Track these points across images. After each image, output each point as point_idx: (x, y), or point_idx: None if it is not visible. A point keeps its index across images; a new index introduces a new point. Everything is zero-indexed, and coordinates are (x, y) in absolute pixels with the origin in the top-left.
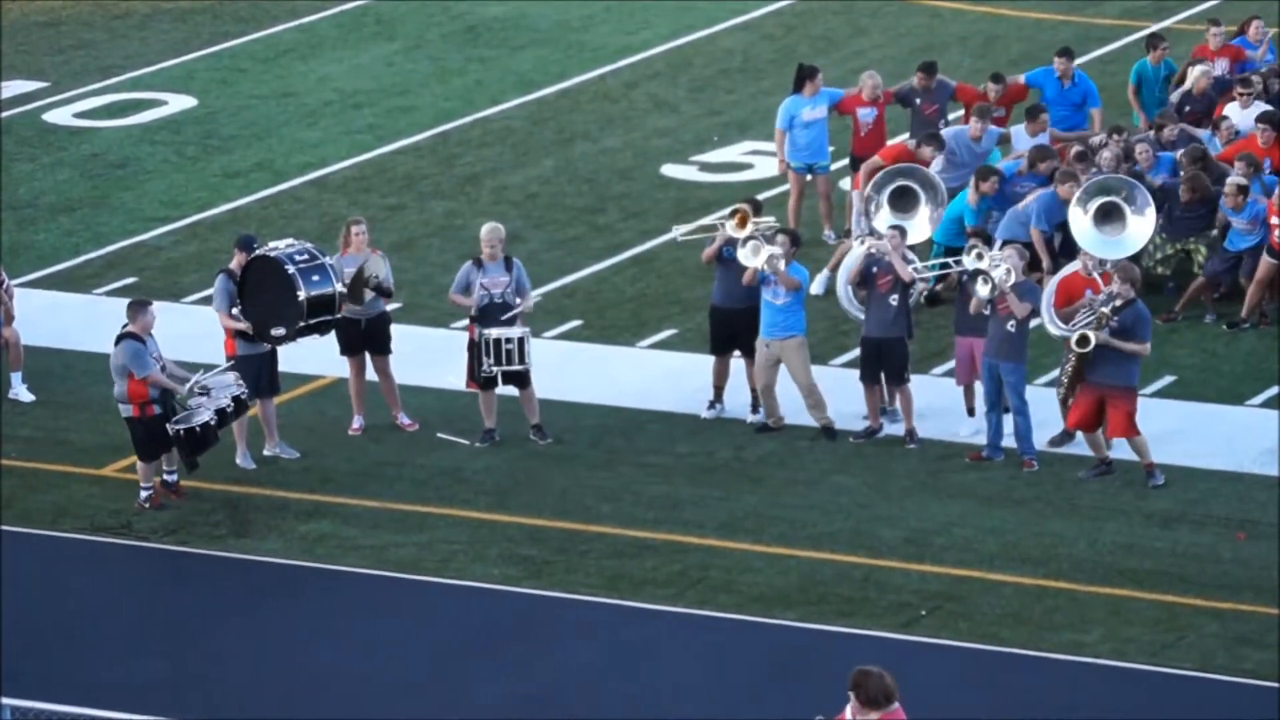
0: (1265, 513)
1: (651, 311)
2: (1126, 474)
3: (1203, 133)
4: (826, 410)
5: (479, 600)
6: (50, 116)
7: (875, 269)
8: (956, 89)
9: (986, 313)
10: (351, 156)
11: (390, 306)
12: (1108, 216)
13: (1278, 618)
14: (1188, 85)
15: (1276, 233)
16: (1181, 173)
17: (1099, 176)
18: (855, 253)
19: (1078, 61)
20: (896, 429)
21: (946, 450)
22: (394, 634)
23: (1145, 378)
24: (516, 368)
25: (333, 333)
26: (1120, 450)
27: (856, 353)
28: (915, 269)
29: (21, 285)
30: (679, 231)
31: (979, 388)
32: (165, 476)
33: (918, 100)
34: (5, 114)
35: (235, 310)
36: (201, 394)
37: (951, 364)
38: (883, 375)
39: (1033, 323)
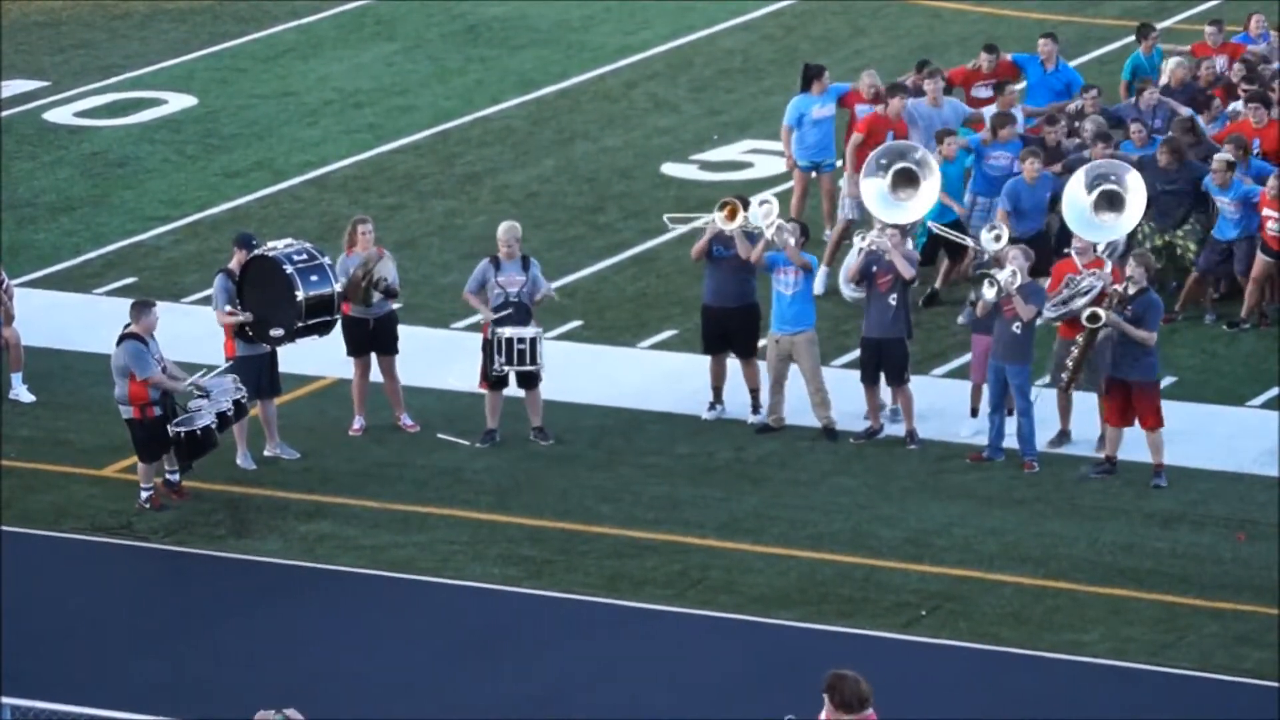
0: (1265, 513)
1: (651, 311)
2: (1127, 474)
3: (1187, 110)
4: (830, 409)
5: (479, 600)
6: (50, 116)
7: (875, 267)
8: (948, 75)
9: (1000, 311)
10: (351, 156)
11: (393, 306)
12: (1111, 203)
13: (1278, 618)
14: (1164, 78)
15: (1269, 225)
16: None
17: (1098, 164)
18: (854, 251)
19: (1077, 61)
20: (897, 429)
21: (947, 451)
22: (394, 634)
23: None
24: (528, 368)
25: (335, 333)
26: (1125, 450)
27: (857, 353)
28: (934, 225)
29: (21, 285)
30: (669, 218)
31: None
32: (168, 476)
33: (940, 82)
34: (5, 114)
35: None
36: (201, 396)
37: (951, 364)
38: (883, 375)
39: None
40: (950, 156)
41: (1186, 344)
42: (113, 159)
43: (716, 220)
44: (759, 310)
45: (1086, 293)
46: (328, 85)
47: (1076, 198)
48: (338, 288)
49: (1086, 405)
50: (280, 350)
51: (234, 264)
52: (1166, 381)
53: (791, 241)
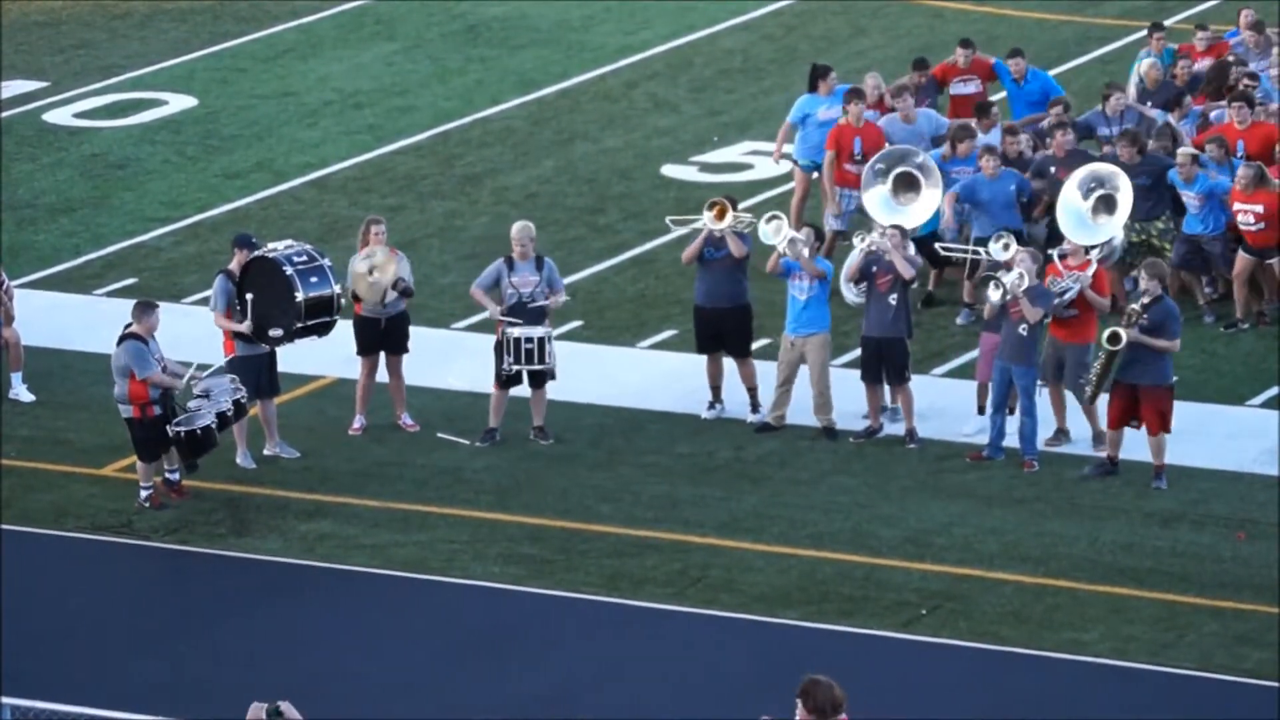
0: (1265, 513)
1: (651, 312)
2: (1127, 474)
3: (1155, 112)
4: (831, 412)
5: (479, 600)
6: (50, 116)
7: (875, 267)
8: (935, 72)
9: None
10: (351, 156)
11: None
12: (1107, 206)
13: (1278, 617)
14: (1135, 77)
15: (1240, 218)
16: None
17: (1090, 169)
18: (856, 251)
19: (1077, 62)
20: (897, 429)
21: (947, 450)
22: (394, 633)
23: None
24: (537, 367)
25: (335, 333)
26: (1126, 450)
27: (857, 353)
28: (941, 247)
29: (21, 286)
30: (671, 220)
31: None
32: (167, 475)
33: (910, 99)
34: (5, 114)
35: (235, 310)
36: (201, 396)
37: (951, 364)
38: (883, 375)
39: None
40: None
41: (1186, 344)
42: (113, 160)
43: (706, 221)
44: (751, 310)
45: (1061, 294)
46: (328, 85)
47: (1073, 203)
48: (337, 289)
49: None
50: (280, 350)
51: (234, 265)
52: None
53: (806, 253)
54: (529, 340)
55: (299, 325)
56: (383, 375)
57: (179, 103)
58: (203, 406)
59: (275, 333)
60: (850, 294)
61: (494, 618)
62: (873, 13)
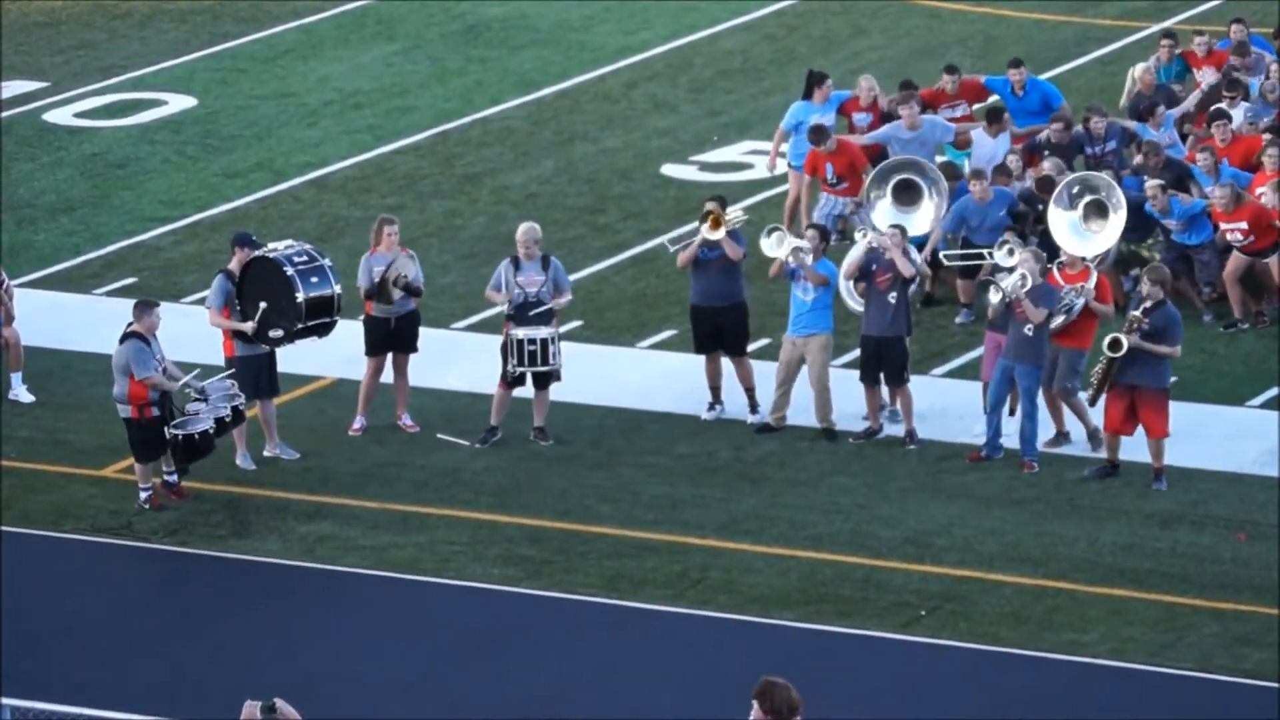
0: (1265, 513)
1: (651, 312)
2: (1127, 474)
3: (1134, 124)
4: (831, 412)
5: (479, 600)
6: (50, 116)
7: (875, 266)
8: (923, 96)
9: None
10: (351, 156)
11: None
12: (1095, 214)
13: (1278, 618)
14: (1130, 83)
15: (1228, 237)
16: (1146, 179)
17: (1083, 174)
18: (856, 248)
19: (1077, 62)
20: (897, 430)
21: (946, 451)
22: (394, 634)
23: None
24: (540, 368)
25: (337, 333)
26: (1126, 450)
27: (857, 353)
28: (946, 255)
29: (21, 285)
30: (668, 239)
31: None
32: (166, 477)
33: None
34: (5, 114)
35: (233, 309)
36: (200, 399)
37: (951, 364)
38: (882, 375)
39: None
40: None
41: (1186, 344)
42: (112, 160)
43: (703, 231)
44: (747, 308)
45: (1068, 309)
46: (328, 86)
47: (1062, 216)
48: (337, 289)
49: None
50: (280, 350)
51: (233, 264)
52: None
53: (809, 261)
54: (532, 342)
55: (300, 326)
56: (386, 375)
57: (179, 103)
58: (201, 410)
59: (276, 333)
60: (853, 302)
61: (493, 619)
62: (873, 13)
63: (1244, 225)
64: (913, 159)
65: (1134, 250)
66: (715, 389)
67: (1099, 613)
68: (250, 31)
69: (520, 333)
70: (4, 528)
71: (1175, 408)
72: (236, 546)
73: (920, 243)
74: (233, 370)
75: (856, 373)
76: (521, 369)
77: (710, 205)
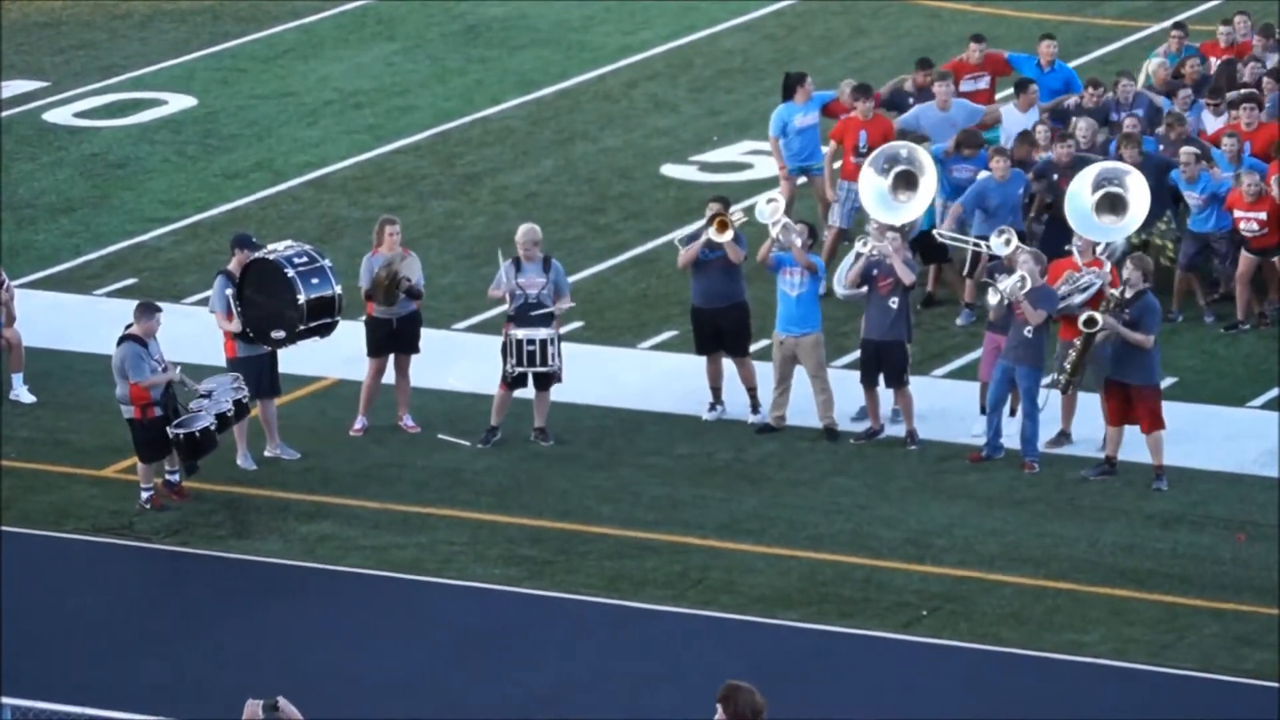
0: (1265, 513)
1: (651, 312)
2: (1127, 474)
3: (1162, 100)
4: (833, 410)
5: (479, 600)
6: (50, 116)
7: (876, 270)
8: (948, 68)
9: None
10: (351, 156)
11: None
12: (1113, 206)
13: (1278, 618)
14: (1143, 77)
15: (1243, 225)
16: (1161, 148)
17: (1104, 167)
18: (854, 247)
19: (1077, 62)
20: (897, 430)
21: (947, 451)
22: (394, 634)
23: None
24: (540, 369)
25: (338, 334)
26: (1125, 451)
27: (857, 353)
28: (939, 234)
29: (21, 286)
30: (678, 237)
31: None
32: (168, 477)
33: (910, 100)
34: (5, 114)
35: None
36: (204, 396)
37: (952, 365)
38: (881, 378)
39: None
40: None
41: (1186, 344)
42: (112, 160)
43: (710, 234)
44: (748, 309)
45: (1085, 289)
46: (328, 85)
47: (1080, 198)
48: (338, 290)
49: (1089, 406)
50: (281, 351)
51: (233, 265)
52: (1167, 382)
53: (798, 242)
54: (531, 343)
55: (301, 327)
56: (388, 375)
57: (179, 103)
58: (203, 407)
59: (277, 335)
60: (841, 289)
61: (494, 619)
62: (873, 13)
63: (1263, 216)
64: (912, 147)
65: (1146, 239)
66: (716, 389)
67: (1100, 613)
68: (250, 31)
69: (520, 333)
70: (4, 528)
71: (1175, 408)
72: (237, 546)
73: (930, 226)
74: (230, 364)
75: (857, 373)
76: (521, 369)
77: (715, 207)
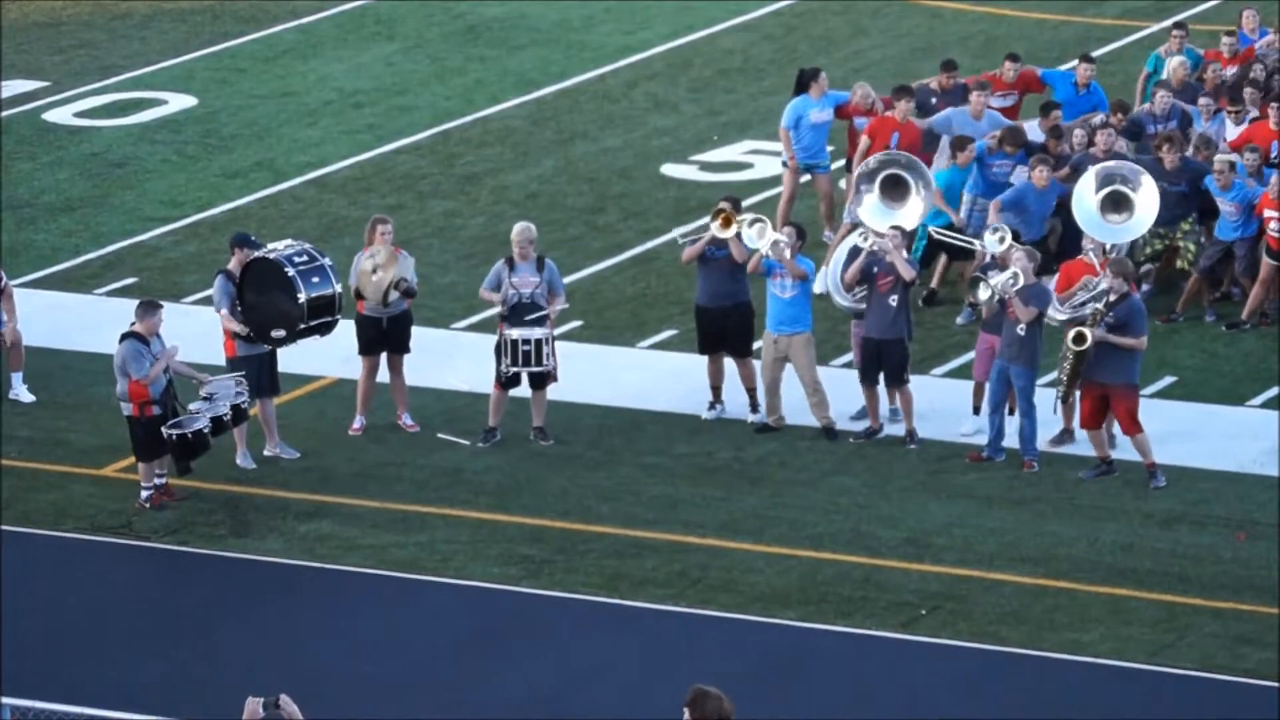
0: (1265, 513)
1: (651, 312)
2: (1127, 474)
3: (1191, 107)
4: (829, 410)
5: (479, 600)
6: (50, 116)
7: (876, 268)
8: (967, 81)
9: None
10: (351, 156)
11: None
12: (1116, 205)
13: (1278, 618)
14: (1164, 75)
15: (1271, 225)
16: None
17: (1105, 164)
18: (843, 245)
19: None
20: (897, 429)
21: (946, 451)
22: (394, 634)
23: (1145, 378)
24: (535, 369)
25: (337, 333)
26: (1122, 450)
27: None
28: (935, 231)
29: (21, 285)
30: (679, 232)
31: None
32: (155, 480)
33: (934, 101)
34: (5, 114)
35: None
36: (205, 398)
37: (951, 364)
38: (882, 376)
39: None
40: (963, 165)
41: (1186, 344)
42: (112, 159)
43: (713, 229)
44: (753, 309)
45: (1101, 297)
46: (328, 85)
47: (1085, 198)
48: (338, 288)
49: None
50: (280, 350)
51: (233, 265)
52: (1166, 382)
53: (788, 255)
54: (526, 343)
55: (302, 326)
56: (383, 375)
57: (179, 102)
58: (202, 409)
59: (278, 333)
60: (842, 300)
61: (493, 618)
62: (873, 13)
63: None
64: (903, 155)
65: (1167, 242)
66: (716, 389)
67: (1099, 612)
68: (250, 31)
69: (515, 333)
70: (4, 528)
71: (1175, 407)
72: (236, 546)
73: (948, 223)
74: (231, 363)
75: (855, 373)
76: (515, 369)
77: (723, 204)
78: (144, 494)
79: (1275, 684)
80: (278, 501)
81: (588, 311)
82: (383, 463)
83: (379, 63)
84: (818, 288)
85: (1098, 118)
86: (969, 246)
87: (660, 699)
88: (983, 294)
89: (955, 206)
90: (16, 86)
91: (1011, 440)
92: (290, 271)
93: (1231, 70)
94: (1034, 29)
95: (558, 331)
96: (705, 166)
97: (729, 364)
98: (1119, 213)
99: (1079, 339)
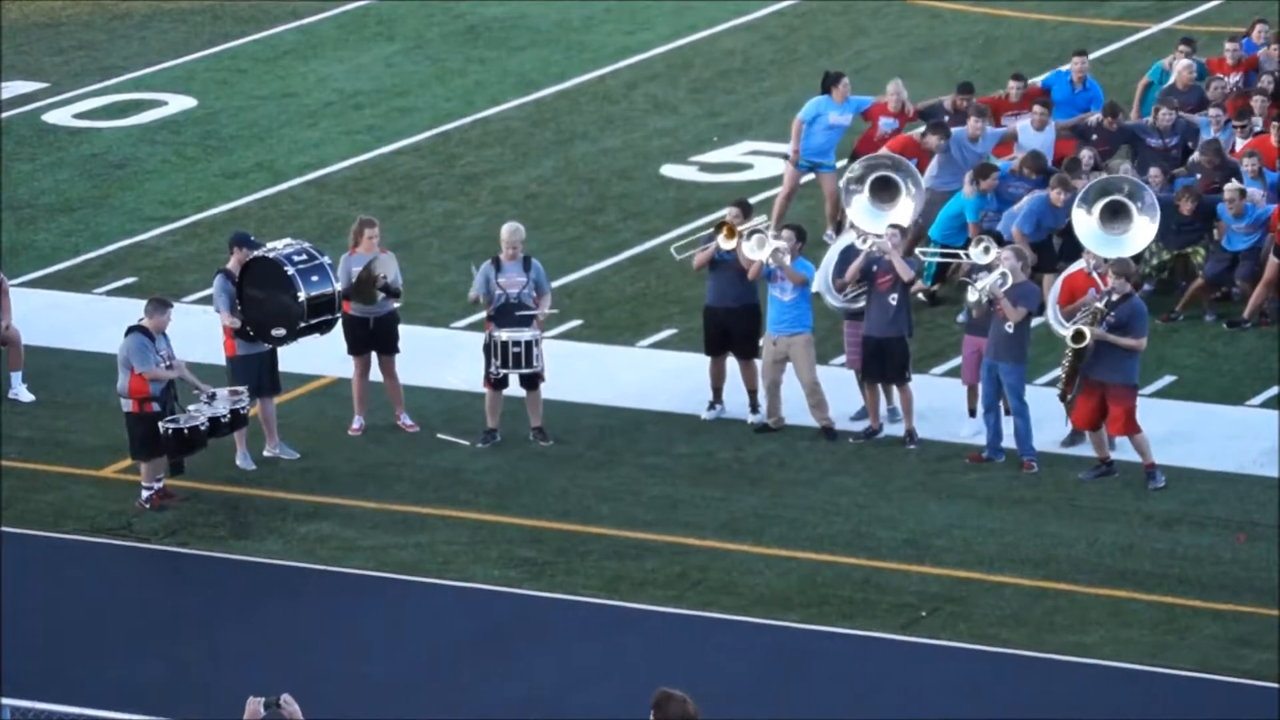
0: (1265, 513)
1: (651, 311)
2: (1126, 475)
3: (1199, 117)
4: (828, 410)
5: (479, 601)
6: (50, 116)
7: (875, 268)
8: (985, 101)
9: (992, 311)
10: (351, 156)
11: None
12: (1115, 216)
13: (1278, 618)
14: (1172, 79)
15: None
16: (1198, 175)
17: (1102, 177)
18: (835, 246)
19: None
20: (896, 429)
21: (946, 451)
22: (394, 635)
23: (1145, 378)
24: (524, 370)
25: (335, 332)
26: (1122, 451)
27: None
28: (921, 252)
29: (21, 285)
30: (675, 249)
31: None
32: (155, 481)
33: (946, 119)
34: (5, 114)
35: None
36: (207, 401)
37: (951, 364)
38: (882, 375)
39: (1035, 321)
40: (989, 190)
41: (1186, 344)
42: (112, 160)
43: (719, 242)
44: (760, 311)
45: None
46: (328, 86)
47: (1082, 221)
48: (338, 287)
49: None
50: (280, 349)
51: (232, 264)
52: (1166, 381)
53: (788, 261)
54: (517, 344)
55: (302, 324)
56: (378, 376)
57: (179, 103)
58: (201, 410)
59: (278, 332)
60: (833, 300)
61: (493, 620)
62: (873, 13)
63: None
64: (891, 156)
65: (1181, 255)
66: (717, 389)
67: (1099, 614)
68: (250, 31)
69: (504, 335)
70: (4, 528)
71: (1175, 407)
72: (236, 546)
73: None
74: (231, 362)
75: (853, 373)
76: (505, 371)
77: (729, 211)
78: (144, 494)
79: (1275, 685)
80: (277, 502)
81: (587, 311)
82: (382, 463)
83: (379, 64)
84: (817, 286)
85: (1093, 118)
86: (956, 260)
87: None
88: (970, 296)
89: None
90: (16, 87)
91: (1009, 440)
92: (290, 270)
93: (1235, 77)
94: (1034, 29)
95: (556, 331)
96: (705, 167)
97: (731, 364)
98: (1117, 223)
99: (1078, 337)
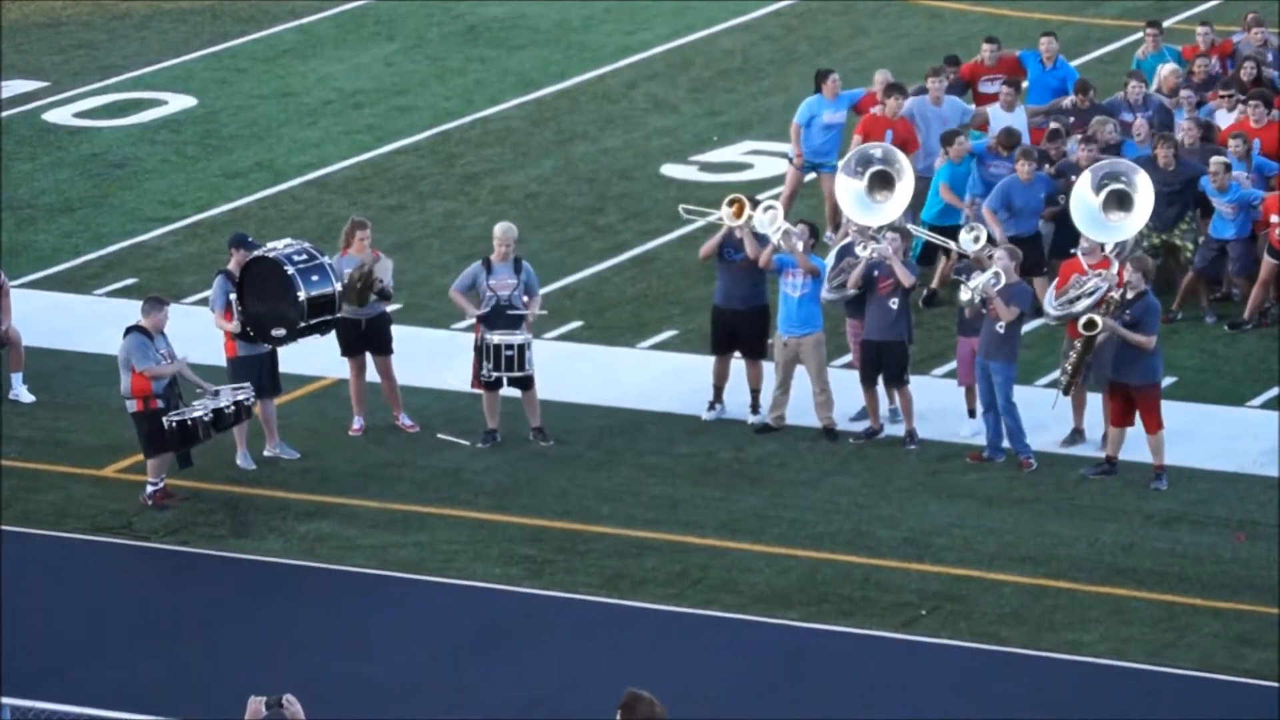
0: (1265, 513)
1: (651, 312)
2: (1127, 474)
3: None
4: (832, 410)
5: (479, 600)
6: (50, 116)
7: (876, 272)
8: (963, 71)
9: (984, 311)
10: (351, 156)
11: (390, 307)
12: (1121, 203)
13: (1278, 618)
14: (1156, 84)
15: (1278, 231)
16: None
17: (1105, 164)
18: (835, 248)
19: (1077, 61)
20: (897, 430)
21: (946, 451)
22: (394, 635)
23: None
24: (516, 374)
25: (333, 333)
26: (1125, 450)
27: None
28: (911, 228)
29: (21, 286)
30: (684, 209)
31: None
32: (160, 478)
33: (945, 81)
34: (5, 114)
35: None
36: (213, 397)
37: (951, 364)
38: (882, 377)
39: (1034, 324)
40: (958, 159)
41: (1186, 344)
42: (112, 160)
43: (725, 217)
44: (768, 312)
45: (1091, 294)
46: (327, 85)
47: (1085, 199)
48: (338, 286)
49: (1095, 405)
50: (280, 349)
51: (232, 265)
52: (1166, 382)
53: (800, 246)
54: (509, 348)
55: (302, 325)
56: (373, 375)
57: (179, 103)
58: (205, 404)
59: (278, 332)
60: (828, 294)
61: (494, 619)
62: (873, 13)
63: None
64: (886, 147)
65: (1166, 240)
66: (719, 389)
67: (1099, 612)
68: (250, 31)
69: (496, 338)
70: (4, 528)
71: (1175, 407)
72: (236, 546)
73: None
74: (231, 363)
75: (856, 372)
76: (496, 374)
77: (738, 195)
78: (149, 489)
79: (1275, 684)
80: (278, 502)
81: (588, 312)
82: (383, 463)
83: (379, 63)
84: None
85: (1067, 100)
86: (945, 246)
87: (661, 699)
88: (963, 295)
89: (961, 198)
90: (16, 87)
91: (1009, 440)
92: (290, 270)
93: (1214, 60)
94: (1034, 29)
95: (557, 332)
96: (705, 167)
97: (734, 363)
98: (1123, 210)
99: (1090, 324)
